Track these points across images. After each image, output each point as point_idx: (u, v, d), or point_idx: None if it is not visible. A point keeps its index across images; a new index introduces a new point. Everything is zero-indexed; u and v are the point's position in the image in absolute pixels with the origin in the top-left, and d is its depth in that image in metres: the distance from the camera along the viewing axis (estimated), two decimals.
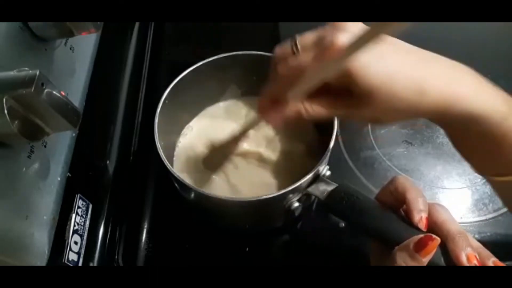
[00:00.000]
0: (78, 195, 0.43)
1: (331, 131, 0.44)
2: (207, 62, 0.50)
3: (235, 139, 0.49)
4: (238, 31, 0.67)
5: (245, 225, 0.50)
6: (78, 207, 0.42)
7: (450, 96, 0.29)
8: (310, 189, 0.42)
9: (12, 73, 0.29)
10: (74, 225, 0.41)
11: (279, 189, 0.41)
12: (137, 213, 0.52)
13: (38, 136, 0.31)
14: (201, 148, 0.52)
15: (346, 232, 0.50)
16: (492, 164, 0.33)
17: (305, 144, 0.52)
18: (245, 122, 0.44)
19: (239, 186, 0.49)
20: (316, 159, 0.42)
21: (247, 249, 0.49)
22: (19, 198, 0.32)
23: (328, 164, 0.44)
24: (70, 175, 0.40)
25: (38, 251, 0.34)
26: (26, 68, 0.29)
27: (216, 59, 0.50)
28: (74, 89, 0.43)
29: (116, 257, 0.49)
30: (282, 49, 0.31)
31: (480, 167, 0.34)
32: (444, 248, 0.33)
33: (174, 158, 0.53)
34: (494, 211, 0.51)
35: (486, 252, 0.33)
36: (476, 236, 0.50)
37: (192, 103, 0.54)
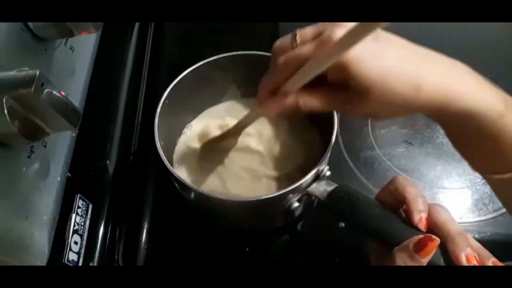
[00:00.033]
0: (78, 195, 0.43)
1: (331, 131, 0.44)
2: (207, 62, 0.50)
3: (235, 137, 0.49)
4: (238, 31, 0.67)
5: (245, 225, 0.50)
6: (78, 207, 0.42)
7: (446, 92, 0.29)
8: (310, 189, 0.42)
9: (12, 73, 0.29)
10: (74, 225, 0.41)
11: (279, 188, 0.41)
12: (137, 213, 0.52)
13: (38, 136, 0.31)
14: (201, 148, 0.52)
15: (346, 232, 0.50)
16: (490, 162, 0.33)
17: (305, 143, 0.52)
18: (243, 118, 0.44)
19: (239, 184, 0.49)
20: (316, 159, 0.42)
21: (247, 249, 0.49)
22: (19, 198, 0.32)
23: (328, 164, 0.44)
24: (70, 175, 0.40)
25: (38, 251, 0.34)
26: (26, 68, 0.29)
27: (216, 59, 0.50)
28: (74, 89, 0.43)
29: (116, 257, 0.49)
30: (281, 41, 0.32)
31: (478, 165, 0.34)
32: (444, 248, 0.33)
33: (174, 158, 0.53)
34: (494, 211, 0.51)
35: (485, 252, 0.33)
36: (476, 236, 0.50)
37: (192, 103, 0.54)
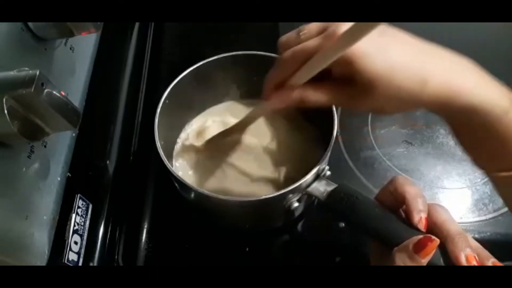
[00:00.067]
0: (78, 195, 0.43)
1: (331, 130, 0.44)
2: (207, 62, 0.50)
3: (236, 137, 0.49)
4: (238, 31, 0.67)
5: (245, 225, 0.50)
6: (78, 207, 0.42)
7: (452, 87, 0.29)
8: (310, 189, 0.42)
9: (12, 73, 0.29)
10: (74, 225, 0.41)
11: (279, 188, 0.41)
12: (137, 213, 0.52)
13: (38, 136, 0.31)
14: (201, 148, 0.52)
15: (346, 232, 0.50)
16: (496, 160, 0.33)
17: (305, 143, 0.52)
18: (244, 117, 0.44)
19: (239, 184, 0.49)
20: (316, 159, 0.42)
21: (247, 249, 0.49)
22: (19, 198, 0.32)
23: (328, 164, 0.44)
24: (70, 175, 0.40)
25: (38, 251, 0.34)
26: (26, 68, 0.29)
27: (216, 59, 0.50)
28: (74, 89, 0.43)
29: (116, 257, 0.49)
30: (287, 36, 0.33)
31: (484, 163, 0.34)
32: (444, 248, 0.33)
33: (174, 158, 0.53)
34: (494, 211, 0.51)
35: (485, 252, 0.33)
36: (476, 236, 0.50)
37: (192, 103, 0.54)
